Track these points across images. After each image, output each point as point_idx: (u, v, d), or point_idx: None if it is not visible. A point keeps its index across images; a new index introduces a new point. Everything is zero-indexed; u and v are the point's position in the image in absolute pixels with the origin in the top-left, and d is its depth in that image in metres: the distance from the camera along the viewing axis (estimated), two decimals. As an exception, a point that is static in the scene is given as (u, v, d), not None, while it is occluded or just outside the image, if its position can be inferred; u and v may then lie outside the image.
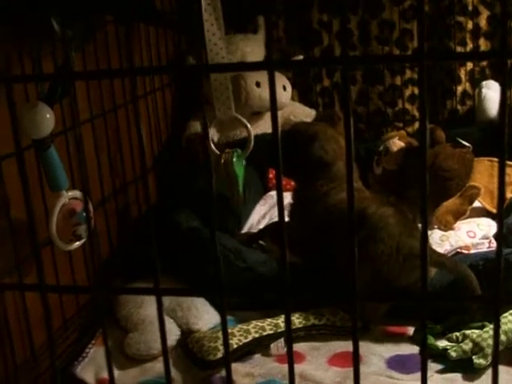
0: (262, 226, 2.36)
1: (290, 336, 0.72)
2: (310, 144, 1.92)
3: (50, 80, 1.45)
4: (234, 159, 2.13)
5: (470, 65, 2.80)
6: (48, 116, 1.50)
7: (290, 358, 0.72)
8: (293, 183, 2.07)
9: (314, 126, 2.03)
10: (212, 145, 2.21)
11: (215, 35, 2.03)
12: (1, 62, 1.52)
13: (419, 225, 2.06)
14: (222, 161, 2.15)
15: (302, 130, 1.99)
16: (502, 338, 1.60)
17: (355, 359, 0.76)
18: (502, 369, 1.57)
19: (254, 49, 2.68)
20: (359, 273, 1.80)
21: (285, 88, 2.61)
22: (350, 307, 0.74)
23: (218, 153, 2.18)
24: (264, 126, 2.65)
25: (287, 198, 2.13)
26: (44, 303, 0.80)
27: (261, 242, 2.16)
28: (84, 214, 1.60)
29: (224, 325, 0.75)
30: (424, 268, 0.69)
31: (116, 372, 1.70)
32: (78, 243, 1.64)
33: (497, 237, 0.66)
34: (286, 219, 2.14)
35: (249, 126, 2.18)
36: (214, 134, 2.46)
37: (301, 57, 2.75)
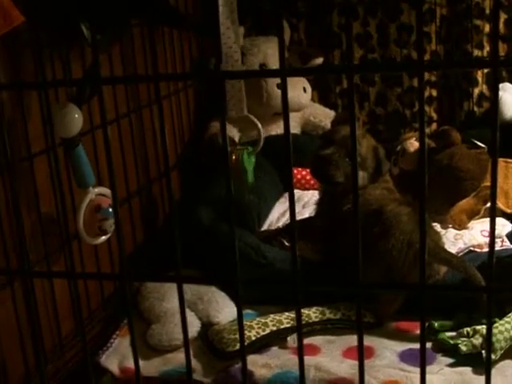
0: (281, 223, 2.42)
1: (300, 326, 0.78)
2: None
3: (79, 85, 1.52)
4: (245, 156, 2.20)
5: (486, 67, 2.83)
6: (77, 116, 1.58)
7: (300, 344, 0.78)
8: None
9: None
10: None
11: (230, 38, 2.10)
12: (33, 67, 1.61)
13: (434, 224, 2.12)
14: (234, 157, 2.21)
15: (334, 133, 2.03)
16: (511, 333, 1.65)
17: (360, 349, 0.81)
18: (509, 363, 1.62)
19: (275, 51, 2.74)
20: (372, 268, 1.87)
21: (305, 90, 2.67)
22: (356, 299, 0.80)
23: (229, 149, 2.24)
24: (285, 126, 2.71)
25: (314, 195, 2.20)
26: (74, 290, 0.87)
27: (282, 239, 2.21)
28: (110, 210, 1.68)
29: (239, 315, 0.81)
30: (422, 259, 0.75)
31: (139, 362, 1.76)
32: (103, 237, 1.72)
33: (489, 234, 0.71)
34: (311, 215, 2.21)
35: (259, 125, 2.23)
36: (235, 134, 2.52)
37: (321, 59, 2.81)
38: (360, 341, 0.81)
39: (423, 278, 0.75)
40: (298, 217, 2.32)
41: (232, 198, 0.81)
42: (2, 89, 1.42)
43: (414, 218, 1.86)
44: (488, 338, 0.74)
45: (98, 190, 1.69)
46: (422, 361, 0.82)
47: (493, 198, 0.74)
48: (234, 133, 2.51)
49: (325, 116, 2.85)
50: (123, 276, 0.82)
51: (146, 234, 2.21)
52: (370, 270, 1.79)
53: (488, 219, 2.26)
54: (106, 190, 1.72)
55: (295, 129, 2.81)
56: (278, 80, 2.35)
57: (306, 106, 2.73)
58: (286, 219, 2.45)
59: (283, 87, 0.68)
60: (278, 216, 2.49)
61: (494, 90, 0.67)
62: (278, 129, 2.70)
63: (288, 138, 0.72)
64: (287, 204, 2.54)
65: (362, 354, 0.79)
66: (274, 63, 2.73)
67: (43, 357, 1.61)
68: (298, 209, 2.54)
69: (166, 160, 0.77)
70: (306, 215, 2.33)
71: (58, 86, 1.35)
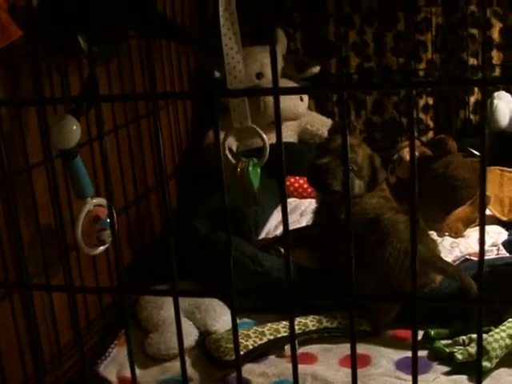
0: (279, 231, 2.44)
1: (293, 334, 0.80)
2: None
3: (77, 102, 1.54)
4: (250, 168, 2.20)
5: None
6: (75, 128, 1.60)
7: (294, 354, 0.80)
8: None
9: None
10: (228, 154, 2.27)
11: (233, 49, 2.11)
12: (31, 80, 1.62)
13: (430, 232, 2.14)
14: (238, 169, 2.21)
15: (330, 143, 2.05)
16: (507, 341, 1.66)
17: (353, 359, 0.83)
18: (505, 371, 1.63)
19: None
20: (369, 276, 1.88)
21: (302, 98, 2.69)
22: (349, 309, 0.81)
23: (234, 162, 2.25)
24: (282, 134, 2.73)
25: (312, 204, 2.21)
26: (72, 303, 0.88)
27: (279, 248, 2.22)
28: (108, 220, 1.69)
29: (234, 324, 0.83)
30: (414, 268, 0.76)
31: (137, 371, 1.76)
32: (102, 248, 1.73)
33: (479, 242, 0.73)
34: (309, 224, 2.23)
35: (264, 136, 2.24)
36: (232, 143, 2.54)
37: (317, 68, 2.83)
38: (353, 350, 0.82)
39: (415, 289, 0.77)
40: (296, 225, 2.34)
41: (227, 208, 0.83)
42: (1, 105, 1.44)
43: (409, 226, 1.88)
44: (479, 349, 0.75)
45: (96, 200, 1.71)
46: (413, 369, 0.83)
47: (482, 209, 0.76)
48: (231, 142, 2.52)
49: (322, 124, 2.86)
50: (120, 290, 0.84)
51: (143, 243, 2.22)
52: (366, 277, 1.81)
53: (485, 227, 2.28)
54: (104, 201, 1.73)
55: (292, 137, 2.83)
56: (275, 89, 2.35)
57: (302, 115, 2.75)
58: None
59: (276, 105, 0.70)
60: (275, 224, 2.51)
61: (483, 109, 0.69)
62: (274, 138, 2.71)
63: (281, 156, 0.73)
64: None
65: (354, 363, 0.80)
66: (270, 72, 2.73)
67: (42, 367, 1.62)
68: (295, 217, 2.55)
69: (162, 177, 0.79)
70: (304, 224, 2.34)
71: (57, 104, 1.37)
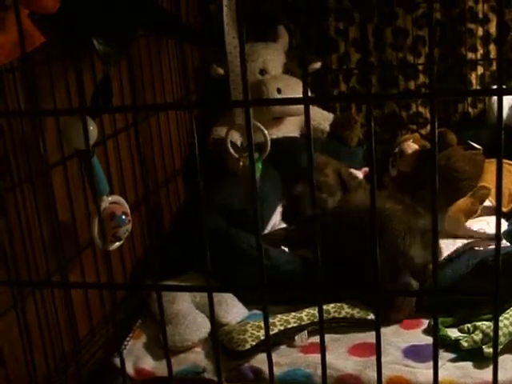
0: (283, 225, 2.49)
1: (322, 326, 0.85)
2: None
3: (93, 112, 1.59)
4: None
5: (480, 69, 2.92)
6: (91, 128, 1.64)
7: (323, 347, 0.85)
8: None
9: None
10: (231, 149, 2.31)
11: (236, 48, 2.16)
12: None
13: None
14: (241, 164, 2.26)
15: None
16: (510, 329, 1.71)
17: (377, 347, 0.88)
18: (509, 357, 1.69)
19: (274, 57, 2.81)
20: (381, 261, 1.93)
21: (304, 93, 2.73)
22: (373, 299, 0.86)
23: (237, 156, 2.29)
24: (285, 129, 2.78)
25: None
26: (67, 300, 0.93)
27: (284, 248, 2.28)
28: (123, 217, 1.74)
29: (266, 322, 0.88)
30: (435, 267, 0.82)
31: (152, 363, 1.83)
32: (117, 244, 1.78)
33: (495, 235, 0.78)
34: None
35: (265, 132, 2.27)
36: (237, 138, 2.58)
37: (319, 63, 2.87)
38: (378, 343, 0.87)
39: (435, 283, 0.82)
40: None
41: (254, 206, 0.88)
42: (22, 115, 1.48)
43: (407, 211, 1.95)
44: (495, 343, 0.81)
45: (111, 198, 1.76)
46: (434, 357, 0.88)
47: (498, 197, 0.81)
48: (236, 137, 2.57)
49: (324, 119, 2.91)
50: (132, 287, 0.89)
51: (153, 237, 2.26)
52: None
53: (484, 218, 2.34)
54: (119, 198, 1.78)
55: (294, 132, 2.87)
56: (278, 85, 2.43)
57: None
58: (288, 221, 2.51)
59: (306, 115, 0.75)
60: (280, 218, 2.56)
61: (500, 116, 0.74)
62: (278, 132, 2.77)
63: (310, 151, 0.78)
64: (289, 206, 2.61)
65: (379, 354, 0.85)
66: (273, 68, 2.79)
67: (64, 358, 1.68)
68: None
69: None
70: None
71: (73, 115, 1.41)
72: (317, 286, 0.83)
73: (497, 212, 0.82)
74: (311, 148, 0.77)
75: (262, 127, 2.27)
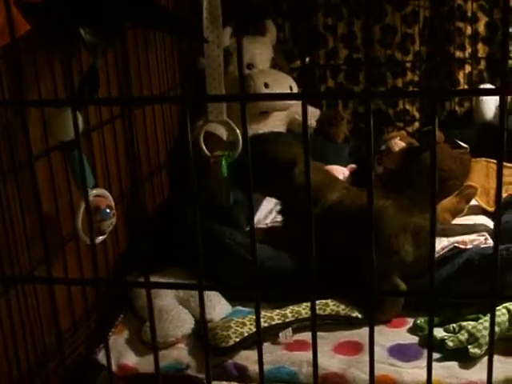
0: (268, 220, 2.47)
1: (315, 324, 0.83)
2: (290, 170, 2.04)
3: (78, 106, 1.55)
4: (223, 162, 2.22)
5: (468, 68, 2.91)
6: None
7: (314, 346, 0.83)
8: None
9: (291, 149, 2.10)
10: (204, 146, 2.28)
11: (214, 43, 2.15)
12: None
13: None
14: (211, 161, 2.24)
15: (280, 156, 2.08)
16: (496, 329, 1.71)
17: (370, 349, 0.86)
18: (495, 358, 1.68)
19: (262, 51, 2.79)
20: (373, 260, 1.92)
21: (291, 88, 2.72)
22: (366, 299, 0.85)
23: (209, 154, 2.27)
24: (272, 124, 2.76)
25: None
26: (51, 294, 0.90)
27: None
28: (108, 211, 1.72)
29: (258, 324, 0.85)
30: (432, 268, 0.80)
31: (135, 358, 1.81)
32: (101, 237, 1.76)
33: (494, 235, 0.77)
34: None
35: (237, 131, 2.24)
36: (222, 132, 2.55)
37: (306, 59, 2.85)
38: (371, 341, 0.86)
39: (432, 284, 0.81)
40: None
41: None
42: (6, 105, 1.45)
43: (398, 206, 1.94)
44: (491, 343, 0.79)
45: (95, 191, 1.73)
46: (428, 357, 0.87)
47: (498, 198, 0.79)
48: (221, 131, 2.54)
49: (310, 115, 2.90)
50: (110, 283, 0.87)
51: (136, 232, 2.24)
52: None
53: (470, 217, 2.34)
54: (104, 192, 1.76)
55: (280, 127, 2.85)
56: (265, 79, 2.41)
57: (291, 105, 2.77)
58: (273, 216, 2.49)
59: (304, 111, 0.73)
60: (265, 213, 2.54)
61: (502, 117, 0.72)
62: (264, 127, 2.75)
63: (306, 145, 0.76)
64: (274, 202, 2.59)
65: (372, 352, 0.84)
66: (260, 62, 2.77)
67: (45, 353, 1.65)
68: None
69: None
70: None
71: (59, 107, 1.38)
72: (309, 285, 0.81)
73: (496, 211, 0.81)
74: (307, 149, 0.75)
75: (235, 126, 2.24)
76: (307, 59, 2.84)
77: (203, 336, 0.88)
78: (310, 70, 2.98)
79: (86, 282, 1.77)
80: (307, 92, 0.70)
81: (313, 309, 0.82)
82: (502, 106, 0.70)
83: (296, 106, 2.86)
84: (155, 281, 1.95)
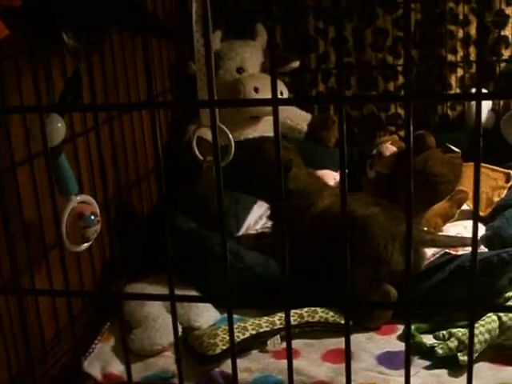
0: (259, 226, 2.45)
1: (289, 333, 0.81)
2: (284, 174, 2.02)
3: (65, 111, 1.53)
4: (214, 168, 2.20)
5: (460, 71, 2.90)
6: (59, 125, 1.59)
7: (290, 354, 0.81)
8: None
9: (286, 154, 2.06)
10: (196, 151, 2.27)
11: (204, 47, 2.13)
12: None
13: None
14: (204, 166, 2.23)
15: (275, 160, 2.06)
16: (486, 336, 1.69)
17: (347, 355, 0.84)
18: (484, 365, 1.67)
19: (252, 55, 2.77)
20: (361, 268, 1.90)
21: (282, 93, 2.70)
22: (345, 313, 0.83)
23: (202, 158, 2.25)
24: (262, 129, 2.75)
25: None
26: (20, 305, 0.89)
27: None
28: (92, 217, 1.69)
29: (231, 333, 0.83)
30: (409, 280, 0.78)
31: (121, 367, 1.79)
32: (86, 245, 1.73)
33: (472, 242, 0.75)
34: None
35: (230, 135, 2.23)
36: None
37: (297, 62, 2.84)
38: (347, 350, 0.84)
39: (412, 294, 0.79)
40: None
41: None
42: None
43: (387, 215, 1.92)
44: (470, 353, 0.77)
45: (80, 197, 1.71)
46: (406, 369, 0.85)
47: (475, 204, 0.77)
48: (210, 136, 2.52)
49: (301, 119, 2.88)
50: (96, 294, 0.85)
51: (125, 237, 2.22)
52: (358, 270, 1.82)
53: (462, 222, 2.31)
54: (89, 198, 1.74)
55: (271, 132, 2.82)
56: (255, 84, 2.39)
57: (282, 109, 2.75)
58: (263, 222, 2.47)
59: (275, 116, 0.71)
60: (255, 219, 2.52)
61: (478, 121, 0.70)
62: (254, 132, 2.73)
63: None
64: (264, 207, 2.57)
65: (349, 361, 0.82)
66: (250, 66, 2.75)
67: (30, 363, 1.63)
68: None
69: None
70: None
71: (42, 112, 1.36)
72: (282, 297, 0.79)
73: (475, 219, 0.79)
74: (279, 156, 0.72)
75: (227, 131, 2.22)
76: (297, 63, 2.82)
77: (179, 348, 0.86)
78: (300, 74, 2.96)
79: (70, 293, 1.74)
80: (276, 98, 0.68)
81: (287, 321, 0.80)
82: (477, 111, 0.68)
83: (287, 110, 2.84)
84: (141, 288, 1.98)
